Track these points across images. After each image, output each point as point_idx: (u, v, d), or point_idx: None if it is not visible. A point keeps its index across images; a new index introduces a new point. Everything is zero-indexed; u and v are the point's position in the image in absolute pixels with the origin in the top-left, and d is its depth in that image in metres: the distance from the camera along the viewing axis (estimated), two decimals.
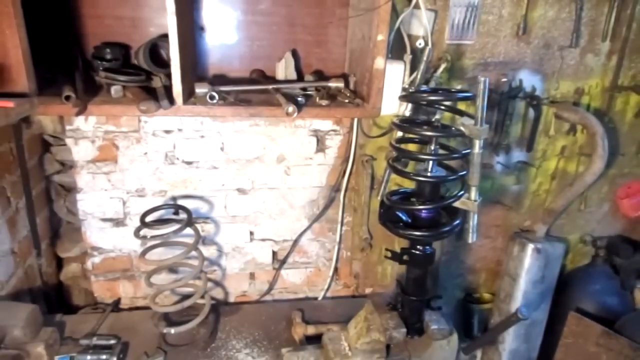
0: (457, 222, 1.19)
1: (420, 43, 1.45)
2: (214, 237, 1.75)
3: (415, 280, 1.29)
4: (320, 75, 1.53)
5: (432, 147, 1.15)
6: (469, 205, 1.11)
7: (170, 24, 1.11)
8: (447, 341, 1.35)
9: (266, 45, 1.49)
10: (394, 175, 1.22)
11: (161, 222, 1.44)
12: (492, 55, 1.56)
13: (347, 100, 1.35)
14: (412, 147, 1.34)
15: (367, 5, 1.29)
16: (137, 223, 1.40)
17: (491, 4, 1.50)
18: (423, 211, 1.21)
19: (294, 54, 1.49)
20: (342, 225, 1.80)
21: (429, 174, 1.15)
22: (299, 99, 1.33)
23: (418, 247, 1.24)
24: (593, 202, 1.87)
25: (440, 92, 1.24)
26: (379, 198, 1.28)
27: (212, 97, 1.24)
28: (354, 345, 1.31)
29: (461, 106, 1.19)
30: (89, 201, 1.60)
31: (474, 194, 1.10)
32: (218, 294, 1.84)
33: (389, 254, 1.29)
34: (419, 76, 1.42)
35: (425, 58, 1.43)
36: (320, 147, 1.69)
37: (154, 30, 1.40)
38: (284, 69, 1.46)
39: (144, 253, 1.42)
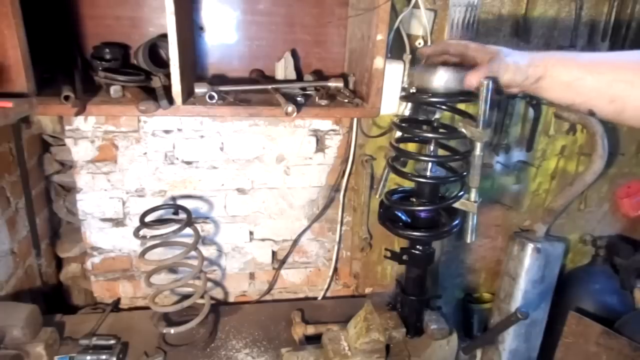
0: (457, 222, 1.19)
1: (419, 43, 1.45)
2: (214, 237, 1.75)
3: (415, 280, 1.29)
4: (319, 75, 1.52)
5: (432, 148, 1.14)
6: (468, 207, 1.11)
7: (169, 24, 1.10)
8: (447, 341, 1.34)
9: (265, 45, 1.49)
10: (393, 174, 1.21)
11: (161, 222, 1.44)
12: None
13: (346, 100, 1.35)
14: (411, 146, 1.33)
15: (366, 5, 1.29)
16: (137, 223, 1.40)
17: (491, 4, 1.50)
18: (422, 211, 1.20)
19: (294, 53, 1.48)
20: (341, 225, 1.80)
21: (428, 175, 1.14)
22: (299, 98, 1.33)
23: (418, 246, 1.24)
24: (593, 202, 1.87)
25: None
26: (377, 197, 1.28)
27: (211, 97, 1.23)
28: (354, 345, 1.31)
29: (461, 105, 1.19)
30: (88, 201, 1.60)
31: (474, 195, 1.10)
32: (218, 294, 1.84)
33: (389, 254, 1.28)
34: None
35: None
36: (320, 147, 1.69)
37: (153, 30, 1.40)
38: (283, 69, 1.46)
39: (143, 253, 1.42)
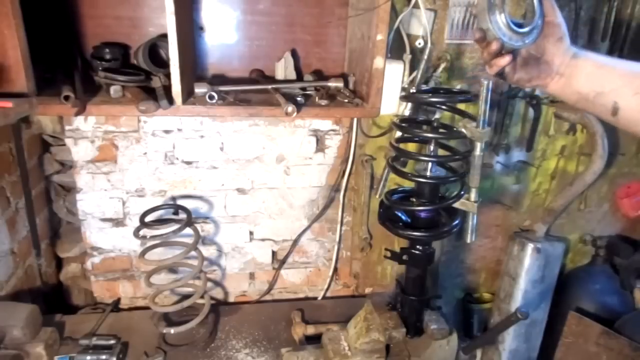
0: (457, 222, 1.19)
1: (419, 43, 1.45)
2: (214, 237, 1.75)
3: (415, 280, 1.29)
4: (319, 75, 1.53)
5: (432, 148, 1.14)
6: (468, 207, 1.11)
7: (169, 24, 1.11)
8: (447, 341, 1.35)
9: (265, 45, 1.49)
10: (393, 174, 1.21)
11: (161, 222, 1.44)
12: None
13: (346, 100, 1.35)
14: (411, 146, 1.33)
15: (366, 5, 1.29)
16: (137, 223, 1.40)
17: None
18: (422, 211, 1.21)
19: (294, 53, 1.48)
20: (341, 225, 1.80)
21: (428, 175, 1.15)
22: (299, 98, 1.33)
23: (418, 246, 1.24)
24: (593, 202, 1.87)
25: (442, 92, 1.24)
26: (377, 197, 1.28)
27: (211, 97, 1.24)
28: (354, 345, 1.31)
29: (461, 105, 1.19)
30: (88, 201, 1.60)
31: (474, 195, 1.10)
32: (218, 294, 1.84)
33: (389, 254, 1.29)
34: (418, 76, 1.42)
35: (424, 57, 1.43)
36: (320, 147, 1.69)
37: (153, 30, 1.40)
38: (283, 69, 1.46)
39: (143, 253, 1.42)
